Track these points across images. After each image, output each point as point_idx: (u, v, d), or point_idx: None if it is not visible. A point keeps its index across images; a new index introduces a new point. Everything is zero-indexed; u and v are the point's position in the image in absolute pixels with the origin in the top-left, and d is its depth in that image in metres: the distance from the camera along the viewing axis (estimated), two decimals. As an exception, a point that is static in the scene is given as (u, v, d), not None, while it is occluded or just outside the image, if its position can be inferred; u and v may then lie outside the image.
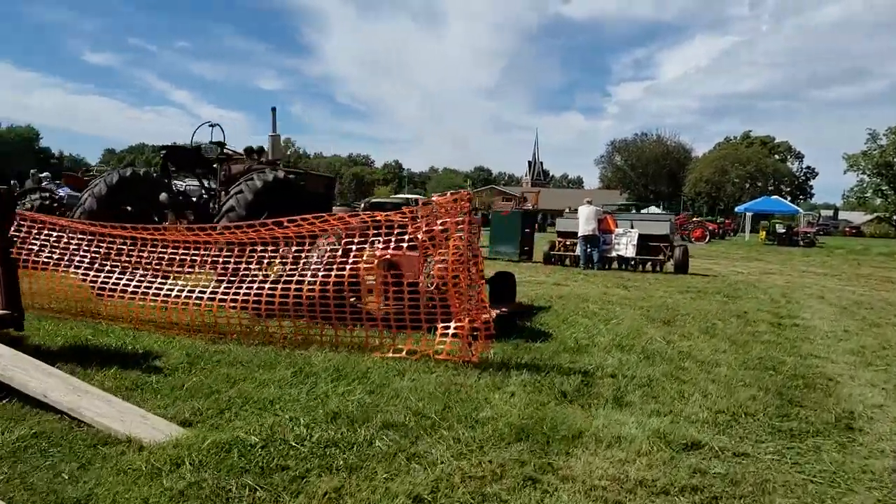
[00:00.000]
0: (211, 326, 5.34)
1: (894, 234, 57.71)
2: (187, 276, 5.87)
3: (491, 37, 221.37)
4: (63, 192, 13.95)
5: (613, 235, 14.89)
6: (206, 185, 7.99)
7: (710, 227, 33.46)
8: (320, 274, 5.18)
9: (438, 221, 4.83)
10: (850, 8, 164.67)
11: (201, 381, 4.19)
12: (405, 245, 4.96)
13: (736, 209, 44.54)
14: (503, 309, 6.85)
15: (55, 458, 2.99)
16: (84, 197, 7.17)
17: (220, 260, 5.50)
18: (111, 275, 5.63)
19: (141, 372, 4.30)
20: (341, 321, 5.20)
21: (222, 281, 5.52)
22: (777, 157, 77.80)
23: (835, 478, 3.19)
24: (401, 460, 3.10)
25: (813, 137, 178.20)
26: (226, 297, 5.28)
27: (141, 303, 5.49)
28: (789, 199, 69.97)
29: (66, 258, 5.75)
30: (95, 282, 5.60)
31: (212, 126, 7.67)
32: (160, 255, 5.72)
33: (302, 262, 5.29)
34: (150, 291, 5.47)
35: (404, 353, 4.90)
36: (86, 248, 5.79)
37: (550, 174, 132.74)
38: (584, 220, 14.69)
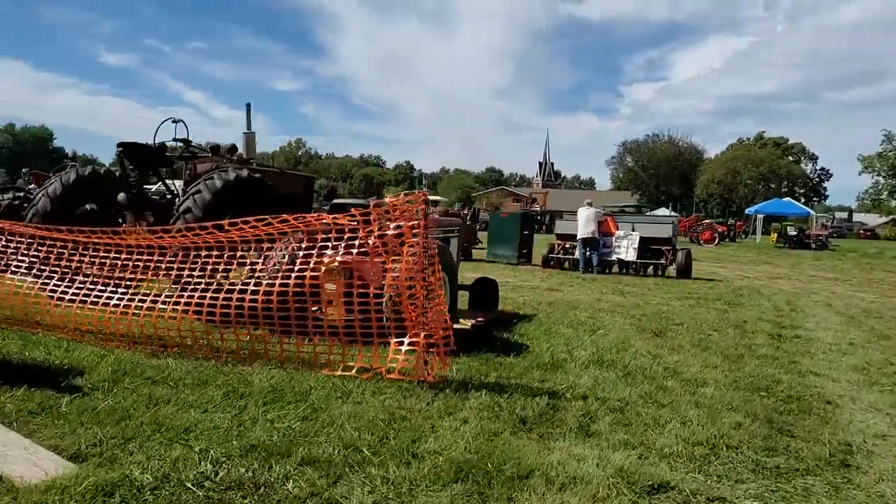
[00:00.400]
0: (151, 338, 4.93)
1: (910, 236, 56.37)
2: (140, 283, 5.47)
3: (503, 37, 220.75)
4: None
5: (614, 238, 14.37)
6: (172, 185, 7.61)
7: (720, 230, 32.69)
8: (269, 282, 4.74)
9: (392, 225, 4.39)
10: (867, 8, 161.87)
11: (118, 403, 3.77)
12: (355, 251, 4.52)
13: (746, 211, 43.62)
14: (479, 319, 6.39)
15: None
16: (38, 197, 6.81)
17: (164, 265, 5.09)
18: (49, 281, 5.24)
19: (54, 392, 3.89)
20: (291, 334, 4.77)
21: (167, 288, 5.12)
22: (791, 158, 76.44)
23: (822, 532, 2.71)
24: (310, 507, 2.67)
25: (828, 139, 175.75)
26: (166, 305, 4.86)
27: (79, 311, 5.09)
28: (803, 200, 68.75)
29: (2, 263, 5.38)
30: (32, 288, 5.22)
31: (175, 122, 7.30)
32: (103, 261, 5.32)
33: (249, 268, 4.86)
34: (89, 299, 5.07)
35: (354, 371, 4.46)
36: (24, 252, 5.41)
37: (562, 175, 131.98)
38: (584, 222, 14.19)
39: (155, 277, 5.34)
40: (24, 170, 16.62)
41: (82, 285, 5.09)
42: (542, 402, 4.15)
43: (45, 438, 3.21)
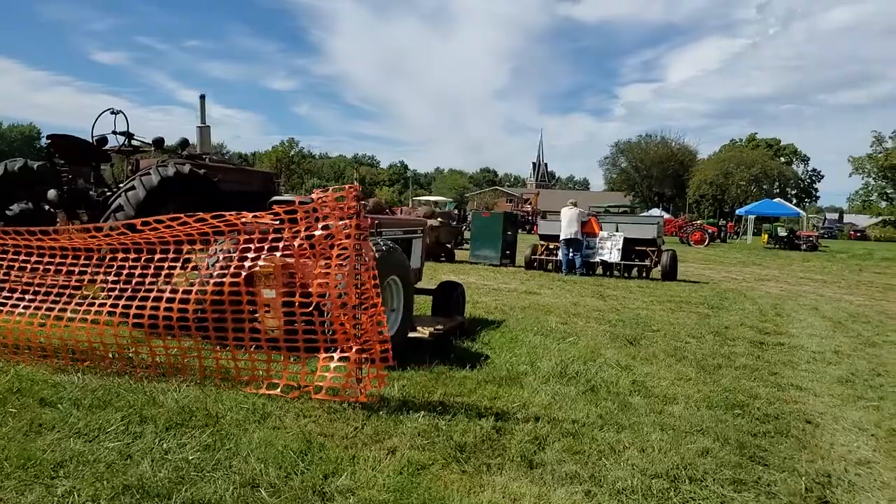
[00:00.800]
0: (59, 350, 4.44)
1: (901, 237, 56.29)
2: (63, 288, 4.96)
3: (499, 38, 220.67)
4: None
5: (597, 239, 13.93)
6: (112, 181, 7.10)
7: (710, 231, 32.33)
8: (198, 287, 4.26)
9: (320, 224, 3.91)
10: (859, 12, 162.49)
11: (-8, 430, 3.28)
12: (278, 254, 4.03)
13: (737, 212, 43.32)
14: (438, 327, 5.92)
15: None
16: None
17: (77, 269, 4.59)
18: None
19: (-78, 417, 3.39)
20: (220, 345, 4.28)
21: (79, 294, 4.62)
22: (783, 159, 76.28)
23: None
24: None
25: (820, 140, 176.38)
26: (76, 313, 4.37)
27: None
28: (795, 201, 68.59)
29: None
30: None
31: (114, 113, 6.79)
32: (21, 265, 4.81)
33: (172, 272, 4.36)
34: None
35: (279, 389, 3.98)
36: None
37: (556, 176, 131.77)
38: (566, 223, 13.74)
39: (78, 283, 4.84)
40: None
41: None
42: (488, 424, 3.69)
43: None
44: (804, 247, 29.54)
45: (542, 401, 4.23)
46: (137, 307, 4.18)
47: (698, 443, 3.61)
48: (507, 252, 15.77)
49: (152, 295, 4.19)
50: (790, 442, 3.75)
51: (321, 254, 3.92)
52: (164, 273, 4.30)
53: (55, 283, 4.61)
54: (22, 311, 4.58)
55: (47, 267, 4.67)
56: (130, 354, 4.39)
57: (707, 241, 30.19)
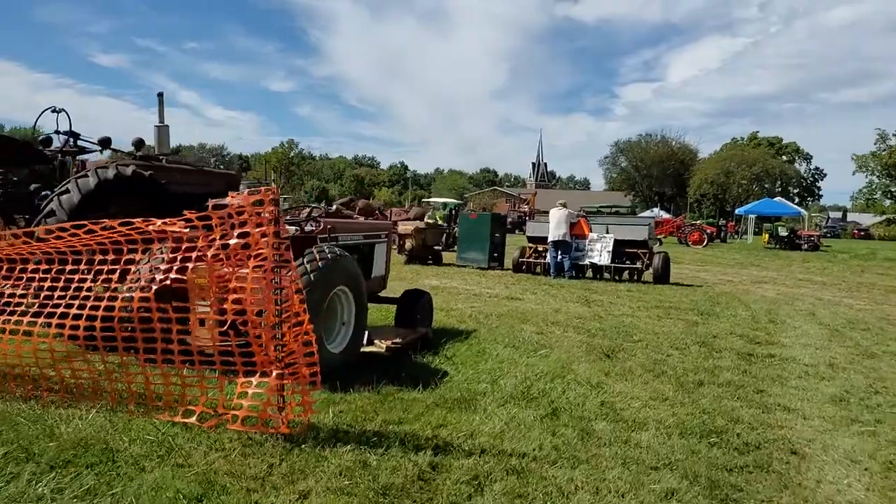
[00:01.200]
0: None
1: (905, 236, 55.66)
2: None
3: (498, 38, 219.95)
4: None
5: (587, 241, 13.46)
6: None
7: (709, 231, 31.79)
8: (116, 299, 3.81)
9: (236, 232, 3.46)
10: (861, 10, 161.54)
11: None
12: (200, 264, 3.58)
13: (736, 211, 42.74)
14: (396, 340, 5.46)
15: None
16: None
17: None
18: None
19: None
20: (126, 366, 3.83)
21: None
22: (785, 158, 75.57)
23: None
24: None
25: (823, 139, 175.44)
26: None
27: None
28: (797, 200, 67.90)
29: None
30: None
31: (56, 112, 6.36)
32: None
33: (76, 284, 3.91)
34: None
35: (195, 417, 3.53)
36: None
37: (557, 176, 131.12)
38: (555, 224, 13.27)
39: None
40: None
41: None
42: (424, 460, 3.23)
43: None
44: (805, 247, 29.00)
45: (493, 428, 3.77)
46: (43, 324, 3.74)
47: (664, 481, 3.15)
48: (496, 254, 15.30)
49: (59, 311, 3.75)
50: (770, 479, 3.28)
51: (237, 265, 3.47)
52: (73, 285, 3.84)
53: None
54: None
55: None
56: (36, 376, 3.94)
57: (706, 241, 29.66)
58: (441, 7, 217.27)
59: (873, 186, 63.90)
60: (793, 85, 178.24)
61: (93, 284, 3.79)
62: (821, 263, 20.91)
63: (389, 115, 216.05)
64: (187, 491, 2.79)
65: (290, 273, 3.47)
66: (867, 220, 63.58)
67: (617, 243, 13.11)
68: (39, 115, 6.49)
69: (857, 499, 3.12)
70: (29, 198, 6.16)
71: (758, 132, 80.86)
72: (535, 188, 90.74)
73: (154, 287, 3.57)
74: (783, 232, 30.90)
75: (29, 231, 3.89)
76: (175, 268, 3.56)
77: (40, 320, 3.78)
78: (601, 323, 7.68)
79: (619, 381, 5.06)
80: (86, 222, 3.68)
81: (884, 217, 62.64)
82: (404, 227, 15.71)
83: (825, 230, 51.50)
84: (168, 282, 3.55)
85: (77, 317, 3.66)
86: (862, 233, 55.44)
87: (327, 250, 4.71)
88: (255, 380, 3.45)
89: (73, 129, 6.72)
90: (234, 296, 3.43)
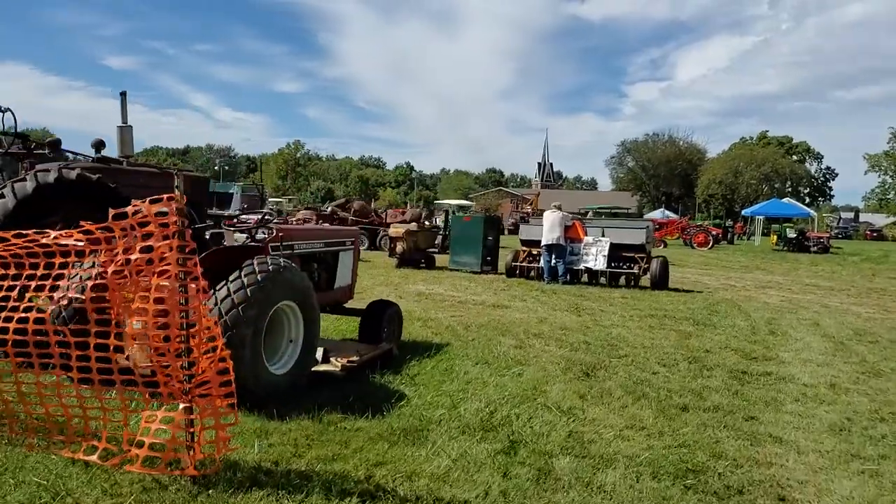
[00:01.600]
0: None
1: (918, 237, 54.57)
2: None
3: (505, 39, 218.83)
4: None
5: (582, 245, 12.96)
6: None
7: (714, 232, 31.12)
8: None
9: (139, 246, 3.03)
10: (873, 6, 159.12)
11: None
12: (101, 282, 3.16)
13: (743, 212, 41.93)
14: (354, 358, 5.02)
15: None
16: None
17: None
18: None
19: None
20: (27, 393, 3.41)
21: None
22: (795, 158, 74.50)
23: None
24: None
25: (834, 138, 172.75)
26: None
27: None
28: (808, 200, 66.90)
29: None
30: None
31: (2, 112, 5.98)
32: None
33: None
34: None
35: (96, 455, 3.09)
36: None
37: (563, 176, 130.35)
38: (549, 228, 12.80)
39: None
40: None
41: None
42: (345, 510, 2.78)
43: None
44: (814, 249, 28.25)
45: (437, 468, 3.31)
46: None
47: (623, 540, 2.68)
48: (489, 258, 14.84)
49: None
50: (750, 535, 2.81)
51: (137, 283, 3.04)
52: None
53: None
54: None
55: None
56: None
57: (711, 243, 29.02)
58: (448, 8, 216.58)
59: (886, 186, 62.71)
60: (803, 83, 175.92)
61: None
62: (830, 267, 20.26)
63: (396, 117, 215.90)
64: (49, 555, 2.36)
65: (198, 290, 3.03)
66: (880, 220, 62.40)
67: (613, 247, 12.61)
68: None
69: (852, 563, 2.65)
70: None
71: (767, 131, 79.92)
72: (541, 188, 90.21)
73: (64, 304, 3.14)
74: (791, 234, 30.18)
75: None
76: (74, 286, 3.13)
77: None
78: (586, 335, 7.19)
79: (594, 404, 4.59)
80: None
81: (897, 217, 61.51)
82: (395, 230, 15.27)
83: (836, 231, 50.56)
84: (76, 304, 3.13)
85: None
86: (875, 234, 54.32)
87: (269, 261, 4.27)
88: (160, 413, 3.01)
89: (2, 130, 6.33)
90: (136, 317, 2.99)
